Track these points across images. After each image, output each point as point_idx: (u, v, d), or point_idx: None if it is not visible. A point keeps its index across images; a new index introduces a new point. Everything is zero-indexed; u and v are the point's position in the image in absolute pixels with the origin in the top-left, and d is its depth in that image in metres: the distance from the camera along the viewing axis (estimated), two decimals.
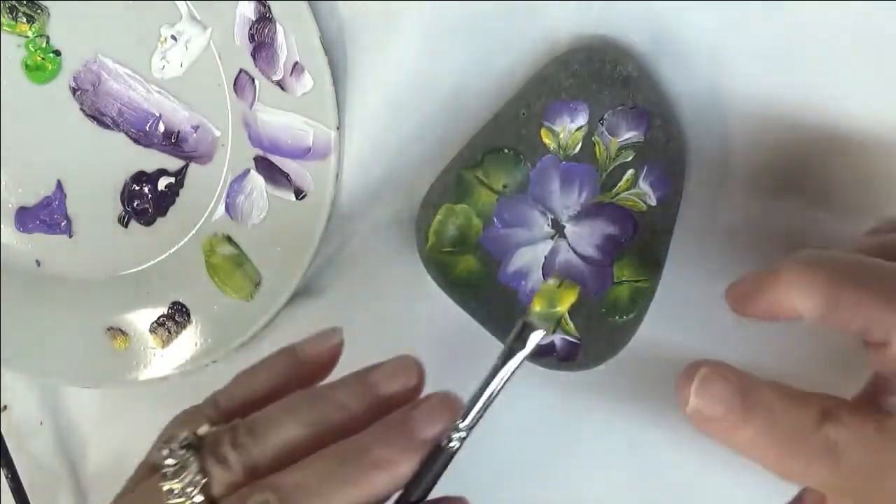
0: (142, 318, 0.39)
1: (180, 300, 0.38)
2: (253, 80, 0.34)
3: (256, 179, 0.36)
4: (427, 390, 0.38)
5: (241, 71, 0.34)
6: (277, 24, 0.33)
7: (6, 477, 0.39)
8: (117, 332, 0.39)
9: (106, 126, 0.36)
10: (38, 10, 0.35)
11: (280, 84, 0.34)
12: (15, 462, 0.40)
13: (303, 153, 0.35)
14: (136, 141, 0.36)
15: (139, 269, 0.38)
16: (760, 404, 0.24)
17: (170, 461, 0.27)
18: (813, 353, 0.35)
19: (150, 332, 0.39)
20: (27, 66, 0.36)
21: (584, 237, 0.32)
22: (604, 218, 0.32)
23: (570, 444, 0.38)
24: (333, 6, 0.34)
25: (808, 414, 0.24)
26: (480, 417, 0.26)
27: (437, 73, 0.34)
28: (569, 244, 0.33)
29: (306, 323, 0.38)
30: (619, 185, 0.32)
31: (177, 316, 0.38)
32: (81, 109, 0.36)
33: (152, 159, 0.37)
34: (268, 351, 0.39)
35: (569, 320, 0.33)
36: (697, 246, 0.34)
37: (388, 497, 0.26)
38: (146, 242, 0.38)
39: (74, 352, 0.39)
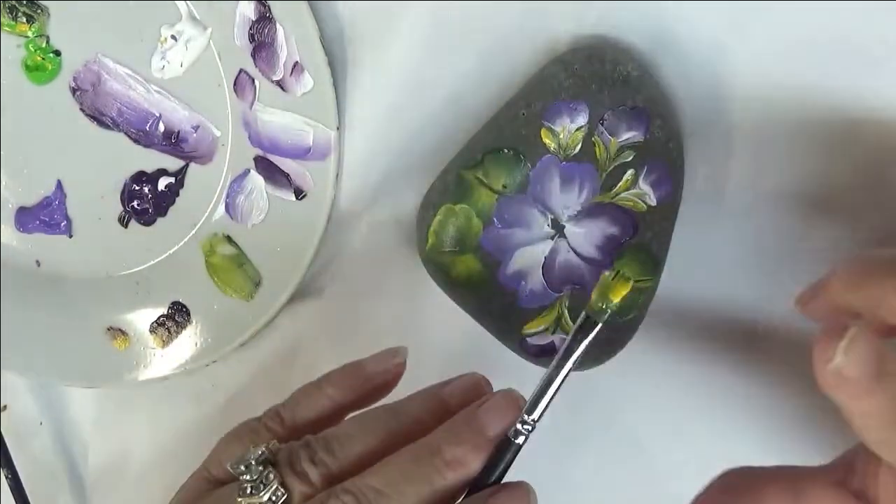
0: (142, 318, 0.39)
1: (180, 300, 0.38)
2: (253, 80, 0.34)
3: (256, 179, 0.36)
4: None
5: (241, 71, 0.34)
6: (277, 24, 0.33)
7: (6, 477, 0.39)
8: (117, 332, 0.39)
9: (106, 126, 0.36)
10: (38, 10, 0.35)
11: (280, 84, 0.34)
12: (15, 462, 0.40)
13: (303, 153, 0.35)
14: (136, 141, 0.36)
15: (139, 269, 0.38)
16: (893, 373, 0.23)
17: (247, 477, 0.28)
18: (811, 354, 0.35)
19: (150, 332, 0.39)
20: (27, 66, 0.36)
21: (584, 237, 0.32)
22: (604, 218, 0.32)
23: (570, 444, 0.38)
24: (333, 6, 0.34)
25: None
26: (545, 410, 0.27)
27: (437, 73, 0.34)
28: (569, 244, 0.33)
29: (306, 323, 0.38)
30: (619, 185, 0.32)
31: (177, 316, 0.38)
32: (81, 109, 0.36)
33: (152, 159, 0.37)
34: (268, 351, 0.39)
35: (569, 320, 0.33)
36: (697, 246, 0.34)
37: (460, 493, 0.27)
38: (146, 242, 0.38)
39: (74, 352, 0.39)
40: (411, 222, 0.34)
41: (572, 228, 0.32)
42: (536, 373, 0.34)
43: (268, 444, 0.29)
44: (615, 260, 0.32)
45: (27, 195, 0.38)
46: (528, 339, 0.34)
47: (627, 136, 0.31)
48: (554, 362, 0.27)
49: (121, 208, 0.37)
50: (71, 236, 0.38)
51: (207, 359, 0.38)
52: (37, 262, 0.39)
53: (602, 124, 0.31)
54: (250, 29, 0.33)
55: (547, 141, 0.31)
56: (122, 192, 0.37)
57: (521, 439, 0.27)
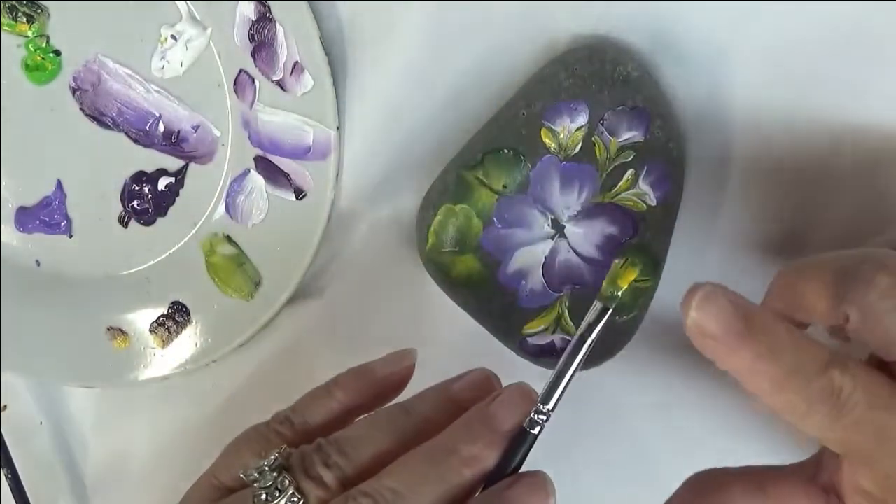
0: (142, 318, 0.39)
1: (180, 300, 0.38)
2: (253, 80, 0.34)
3: (256, 179, 0.36)
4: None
5: (241, 71, 0.34)
6: (277, 24, 0.33)
7: (6, 477, 0.39)
8: (117, 332, 0.39)
9: (106, 126, 0.36)
10: (38, 10, 0.35)
11: (280, 84, 0.34)
12: (15, 462, 0.40)
13: (303, 153, 0.35)
14: (136, 141, 0.36)
15: (139, 269, 0.38)
16: (764, 331, 0.23)
17: (261, 483, 0.28)
18: None
19: (150, 332, 0.39)
20: (27, 66, 0.36)
21: (584, 237, 0.32)
22: (604, 218, 0.32)
23: (569, 443, 0.38)
24: (333, 6, 0.34)
25: (816, 353, 0.23)
26: (559, 400, 0.27)
27: (437, 72, 0.34)
28: (569, 244, 0.33)
29: (306, 323, 0.38)
30: (619, 185, 0.32)
31: (177, 316, 0.38)
32: (81, 109, 0.36)
33: (152, 159, 0.37)
34: (268, 351, 0.39)
35: (569, 320, 0.33)
36: (697, 246, 0.34)
37: (477, 487, 0.28)
38: (146, 242, 0.38)
39: (74, 352, 0.39)
40: (411, 222, 0.34)
41: (572, 228, 0.32)
42: (536, 373, 0.34)
43: (280, 449, 0.29)
44: (615, 260, 0.32)
45: (27, 195, 0.38)
46: (528, 339, 0.34)
47: (627, 136, 0.31)
48: (567, 351, 0.27)
49: (121, 208, 0.37)
50: (71, 236, 0.38)
51: (207, 359, 0.38)
52: (37, 262, 0.39)
53: (602, 124, 0.31)
54: (250, 29, 0.33)
55: (547, 141, 0.31)
56: (122, 192, 0.37)
57: (536, 430, 0.27)
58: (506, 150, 0.32)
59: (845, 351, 0.25)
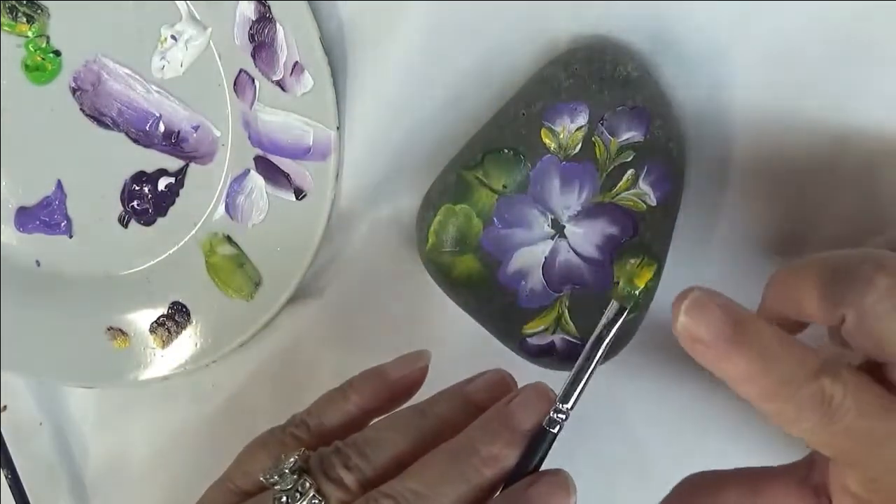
0: (142, 318, 0.39)
1: (180, 300, 0.38)
2: (253, 80, 0.34)
3: (256, 179, 0.36)
4: (427, 390, 0.39)
5: (241, 71, 0.34)
6: (277, 24, 0.33)
7: (6, 477, 0.39)
8: (117, 332, 0.39)
9: (106, 126, 0.36)
10: (38, 10, 0.35)
11: (280, 84, 0.34)
12: (15, 462, 0.40)
13: (303, 153, 0.35)
14: (136, 141, 0.36)
15: (139, 269, 0.38)
16: (755, 338, 0.23)
17: (281, 486, 0.28)
18: None
19: (150, 332, 0.39)
20: (27, 66, 0.36)
21: (584, 237, 0.32)
22: (604, 218, 0.32)
23: (569, 443, 0.38)
24: (333, 6, 0.34)
25: (807, 360, 0.23)
26: (578, 398, 0.27)
27: (437, 72, 0.34)
28: (569, 244, 0.33)
29: (306, 323, 0.38)
30: (619, 185, 0.32)
31: (177, 316, 0.38)
32: (81, 109, 0.36)
33: (152, 159, 0.37)
34: (268, 351, 0.39)
35: (569, 320, 0.33)
36: (697, 246, 0.34)
37: (498, 486, 0.28)
38: (146, 242, 0.38)
39: (74, 352, 0.39)
40: (411, 222, 0.34)
41: (572, 228, 0.32)
42: (536, 373, 0.34)
43: (299, 452, 0.29)
44: (615, 260, 0.32)
45: (27, 195, 0.38)
46: (528, 339, 0.34)
47: (627, 136, 0.31)
48: (585, 350, 0.27)
49: (121, 208, 0.37)
50: (71, 236, 0.38)
51: (207, 359, 0.38)
52: (37, 262, 0.39)
53: (602, 124, 0.31)
54: (250, 29, 0.33)
55: (547, 141, 0.31)
56: (122, 192, 0.37)
57: (556, 429, 0.27)
58: (506, 150, 0.32)
59: (846, 353, 0.25)
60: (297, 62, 0.33)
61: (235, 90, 0.35)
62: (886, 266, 0.24)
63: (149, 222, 0.38)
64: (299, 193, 0.35)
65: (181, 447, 0.41)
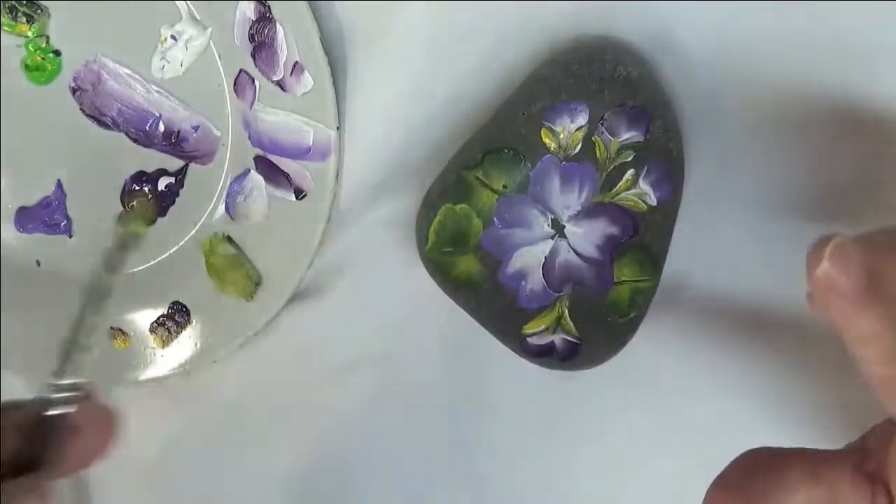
0: (142, 318, 0.39)
1: (180, 300, 0.38)
2: (253, 80, 0.34)
3: (256, 179, 0.36)
4: (427, 391, 0.39)
5: (241, 71, 0.34)
6: (277, 24, 0.33)
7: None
8: (117, 332, 0.39)
9: (106, 126, 0.36)
10: (38, 10, 0.35)
11: (280, 84, 0.34)
12: None
13: (303, 153, 0.35)
14: (136, 141, 0.36)
15: (139, 269, 0.38)
16: (891, 296, 0.22)
17: None
18: (812, 355, 0.35)
19: (150, 332, 0.39)
20: (27, 66, 0.36)
21: (585, 237, 0.32)
22: (604, 218, 0.32)
23: (570, 444, 0.38)
24: (333, 6, 0.34)
25: None
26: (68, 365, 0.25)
27: (437, 72, 0.34)
28: (569, 244, 0.33)
29: (306, 323, 0.38)
30: (619, 185, 0.32)
31: (177, 316, 0.38)
32: (81, 109, 0.36)
33: (152, 159, 0.37)
34: (268, 351, 0.39)
35: (569, 320, 0.33)
36: (697, 246, 0.34)
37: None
38: (146, 242, 0.38)
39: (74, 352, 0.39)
40: (411, 222, 0.34)
41: (572, 228, 0.32)
42: (536, 373, 0.35)
43: None
44: (615, 260, 0.32)
45: (27, 195, 0.38)
46: (528, 339, 0.34)
47: (627, 136, 0.31)
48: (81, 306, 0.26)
49: (121, 208, 0.37)
50: (71, 236, 0.38)
51: (207, 359, 0.38)
52: (37, 262, 0.39)
53: (602, 124, 0.31)
54: (250, 29, 0.33)
55: (547, 141, 0.31)
56: (122, 192, 0.37)
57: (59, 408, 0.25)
58: (506, 150, 0.32)
59: None
60: (297, 62, 0.33)
61: (235, 90, 0.35)
62: None
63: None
64: (299, 193, 0.35)
65: (181, 447, 0.41)
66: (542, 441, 0.39)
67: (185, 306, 0.38)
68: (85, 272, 0.39)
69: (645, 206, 0.32)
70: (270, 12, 0.33)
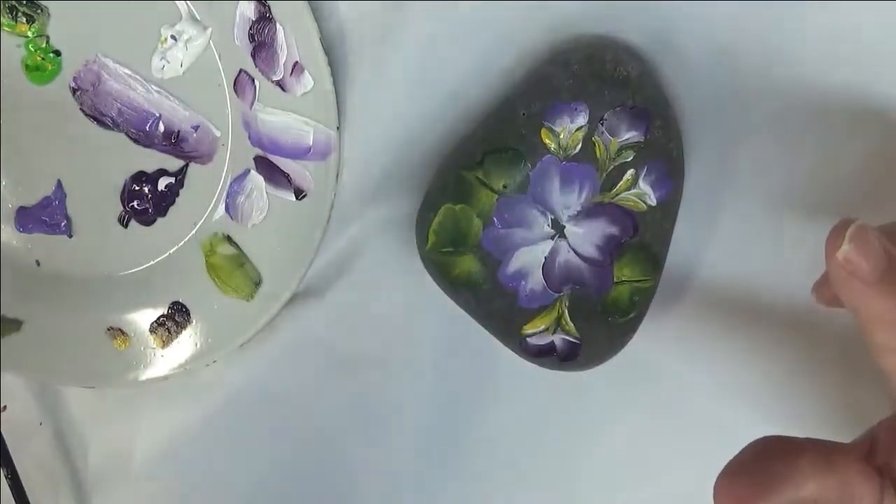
0: (142, 318, 0.39)
1: (180, 300, 0.38)
2: (253, 80, 0.34)
3: (256, 179, 0.36)
4: (427, 391, 0.39)
5: (241, 71, 0.34)
6: (277, 24, 0.33)
7: (6, 477, 0.39)
8: (117, 332, 0.39)
9: (106, 126, 0.36)
10: (38, 10, 0.35)
11: (280, 84, 0.34)
12: (15, 462, 0.40)
13: (303, 153, 0.35)
14: (136, 141, 0.36)
15: (139, 269, 0.38)
16: None
17: None
18: (812, 354, 0.35)
19: (150, 332, 0.39)
20: (27, 66, 0.36)
21: (585, 237, 0.32)
22: (604, 218, 0.32)
23: (570, 444, 0.38)
24: (333, 6, 0.34)
25: None
26: None
27: (437, 72, 0.34)
28: (569, 244, 0.33)
29: (306, 323, 0.38)
30: (619, 185, 0.32)
31: (177, 316, 0.38)
32: (81, 109, 0.36)
33: (152, 159, 0.37)
34: (268, 351, 0.39)
35: (569, 320, 0.33)
36: (697, 246, 0.34)
37: None
38: (146, 242, 0.38)
39: (74, 352, 0.39)
40: (411, 222, 0.34)
41: (572, 228, 0.32)
42: (536, 373, 0.35)
43: None
44: (615, 260, 0.32)
45: (27, 195, 0.38)
46: (528, 339, 0.34)
47: (627, 136, 0.31)
48: None
49: (121, 208, 0.37)
50: (71, 236, 0.38)
51: (207, 359, 0.38)
52: (37, 262, 0.39)
53: (602, 124, 0.31)
54: (250, 29, 0.33)
55: (547, 141, 0.31)
56: (122, 192, 0.37)
57: None
58: (506, 150, 0.32)
59: None
60: (297, 62, 0.33)
61: (235, 90, 0.35)
62: None
63: (149, 222, 0.38)
64: (299, 193, 0.35)
65: (181, 447, 0.41)
66: (542, 441, 0.39)
67: (185, 306, 0.38)
68: (85, 272, 0.39)
69: (645, 206, 0.32)
70: (270, 12, 0.33)
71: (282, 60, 0.33)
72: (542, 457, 0.39)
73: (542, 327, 0.33)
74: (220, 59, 0.34)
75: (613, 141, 0.31)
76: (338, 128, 0.34)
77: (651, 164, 0.31)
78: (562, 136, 0.31)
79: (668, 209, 0.32)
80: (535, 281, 0.33)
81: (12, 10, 0.35)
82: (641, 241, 0.32)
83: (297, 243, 0.36)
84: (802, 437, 0.27)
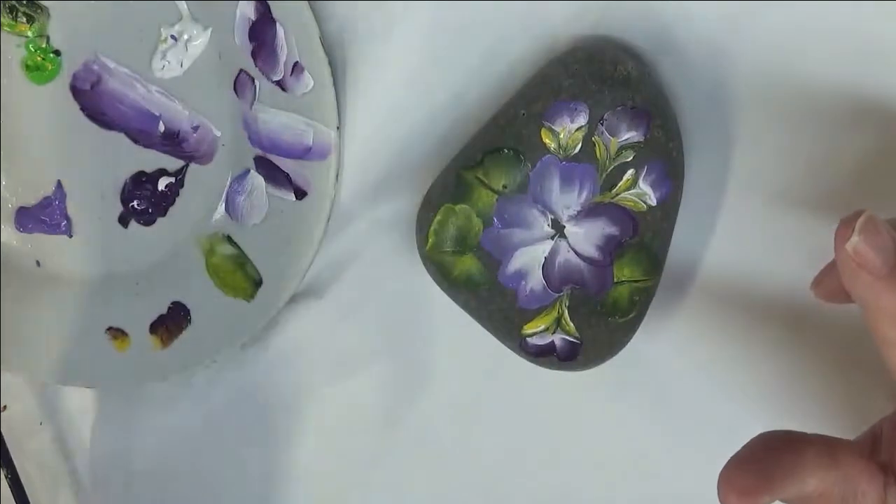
0: (142, 318, 0.39)
1: (180, 300, 0.38)
2: (253, 80, 0.34)
3: (256, 179, 0.36)
4: (427, 391, 0.39)
5: (241, 71, 0.34)
6: (277, 24, 0.33)
7: (6, 477, 0.39)
8: (117, 332, 0.39)
9: (106, 126, 0.36)
10: (38, 10, 0.35)
11: (280, 84, 0.34)
12: (15, 462, 0.40)
13: (303, 153, 0.35)
14: (136, 141, 0.36)
15: (139, 269, 0.38)
16: None
17: None
18: (813, 354, 0.35)
19: (150, 332, 0.39)
20: (27, 66, 0.36)
21: (585, 237, 0.32)
22: (604, 218, 0.32)
23: (570, 444, 0.38)
24: (333, 6, 0.34)
25: None
26: None
27: (437, 72, 0.34)
28: (569, 244, 0.33)
29: (306, 323, 0.38)
30: (619, 185, 0.32)
31: (177, 316, 0.38)
32: (81, 109, 0.36)
33: (152, 159, 0.37)
34: (269, 351, 0.39)
35: (569, 320, 0.33)
36: (697, 246, 0.34)
37: None
38: (146, 242, 0.38)
39: (74, 352, 0.39)
40: (411, 222, 0.34)
41: (572, 228, 0.32)
42: (536, 373, 0.35)
43: None
44: (615, 260, 0.32)
45: (27, 195, 0.38)
46: (528, 339, 0.34)
47: (627, 136, 0.31)
48: None
49: (121, 208, 0.37)
50: (71, 236, 0.38)
51: (207, 359, 0.38)
52: (37, 262, 0.39)
53: (602, 124, 0.31)
54: (250, 29, 0.33)
55: (547, 141, 0.31)
56: (122, 192, 0.37)
57: None
58: (506, 150, 0.32)
59: None
60: (297, 62, 0.33)
61: (235, 90, 0.35)
62: None
63: (149, 222, 0.38)
64: (299, 193, 0.35)
65: (181, 447, 0.41)
66: (541, 441, 0.39)
67: (185, 306, 0.38)
68: (85, 272, 0.39)
69: (645, 206, 0.32)
70: (270, 12, 0.33)
71: (282, 60, 0.33)
72: (541, 457, 0.39)
73: (542, 327, 0.33)
74: (220, 59, 0.34)
75: (613, 141, 0.31)
76: (338, 128, 0.34)
77: (651, 164, 0.31)
78: (562, 136, 0.31)
79: (668, 209, 0.32)
80: (535, 281, 0.33)
81: (12, 10, 0.35)
82: (641, 241, 0.32)
83: (297, 243, 0.36)
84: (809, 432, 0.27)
